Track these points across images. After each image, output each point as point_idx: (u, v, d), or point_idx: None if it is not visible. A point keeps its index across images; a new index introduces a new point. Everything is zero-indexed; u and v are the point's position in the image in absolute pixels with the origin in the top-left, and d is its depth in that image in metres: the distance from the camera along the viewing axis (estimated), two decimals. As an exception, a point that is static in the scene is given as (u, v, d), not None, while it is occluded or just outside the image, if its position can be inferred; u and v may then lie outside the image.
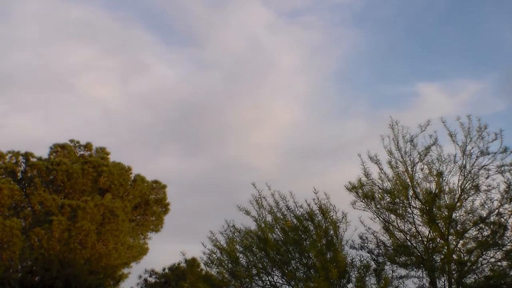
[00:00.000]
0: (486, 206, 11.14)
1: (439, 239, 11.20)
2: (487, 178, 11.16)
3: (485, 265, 11.08)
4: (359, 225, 11.73)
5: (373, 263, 11.60)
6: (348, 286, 11.17)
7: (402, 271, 11.46)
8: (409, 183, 11.42)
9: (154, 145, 54.83)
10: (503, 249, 11.02)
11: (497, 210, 11.06)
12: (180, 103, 56.97)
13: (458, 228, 11.19)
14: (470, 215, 11.22)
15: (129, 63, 58.83)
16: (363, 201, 11.80)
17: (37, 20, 55.96)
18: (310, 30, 54.85)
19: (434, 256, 11.25)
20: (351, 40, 53.48)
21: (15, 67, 56.37)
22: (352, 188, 11.84)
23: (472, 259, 11.03)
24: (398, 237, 11.58)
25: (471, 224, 11.16)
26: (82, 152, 23.07)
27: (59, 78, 56.94)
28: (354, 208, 11.84)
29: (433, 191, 11.25)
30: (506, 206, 11.00)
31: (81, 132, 54.93)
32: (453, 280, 10.96)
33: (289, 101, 56.58)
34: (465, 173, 11.22)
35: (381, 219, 11.71)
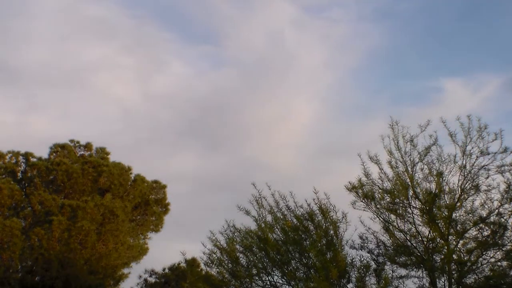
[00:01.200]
0: (486, 206, 11.14)
1: (439, 239, 11.20)
2: (487, 178, 11.16)
3: (485, 265, 11.08)
4: (359, 225, 11.75)
5: (373, 263, 11.61)
6: (348, 286, 11.18)
7: (402, 271, 11.47)
8: (409, 183, 11.42)
9: (172, 143, 54.58)
10: (503, 249, 11.01)
11: (497, 210, 11.06)
12: (199, 101, 56.50)
13: (458, 228, 11.19)
14: (470, 215, 11.22)
15: (147, 61, 58.42)
16: (363, 201, 11.80)
17: (55, 17, 55.76)
18: (335, 25, 54.10)
19: (434, 256, 11.25)
20: (374, 35, 52.66)
21: (32, 63, 56.41)
22: (352, 188, 11.84)
23: (472, 259, 11.03)
24: (398, 237, 11.58)
25: (471, 224, 11.16)
26: (82, 152, 23.07)
27: (76, 75, 56.73)
28: (354, 208, 11.84)
29: (433, 191, 11.24)
30: (506, 206, 11.00)
31: (98, 130, 54.48)
32: (453, 280, 10.96)
33: (311, 98, 55.91)
34: (465, 173, 11.22)
35: (381, 219, 11.71)
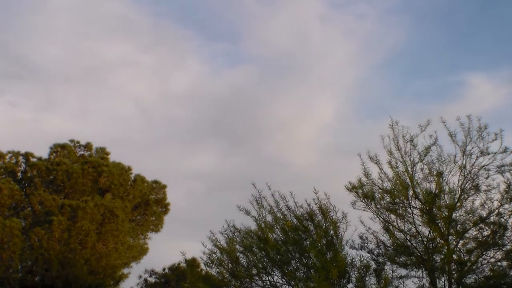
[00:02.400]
0: (486, 206, 11.14)
1: (439, 239, 11.20)
2: (487, 178, 11.16)
3: (485, 265, 11.08)
4: (359, 225, 11.75)
5: (373, 263, 11.61)
6: (348, 286, 11.17)
7: (402, 271, 11.47)
8: (409, 183, 11.42)
9: (190, 142, 54.21)
10: (503, 249, 11.01)
11: (497, 210, 11.05)
12: (218, 100, 56.07)
13: (458, 228, 11.18)
14: (470, 215, 11.22)
15: (166, 59, 57.97)
16: (363, 201, 11.79)
17: (73, 13, 55.32)
18: (361, 20, 53.28)
19: (434, 256, 11.24)
20: (398, 29, 51.84)
21: (50, 60, 56.01)
22: (352, 188, 11.83)
23: (472, 259, 11.02)
24: (398, 237, 11.57)
25: (471, 224, 11.15)
26: (82, 152, 23.07)
27: (94, 73, 56.58)
28: (354, 208, 11.84)
29: (433, 191, 11.24)
30: (506, 206, 11.00)
31: (116, 128, 54.46)
32: (453, 280, 10.96)
33: (333, 96, 55.24)
34: (465, 173, 11.22)
35: (381, 219, 11.71)
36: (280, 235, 11.73)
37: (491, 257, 11.08)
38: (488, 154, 11.13)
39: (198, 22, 57.22)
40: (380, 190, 11.70)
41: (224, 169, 48.87)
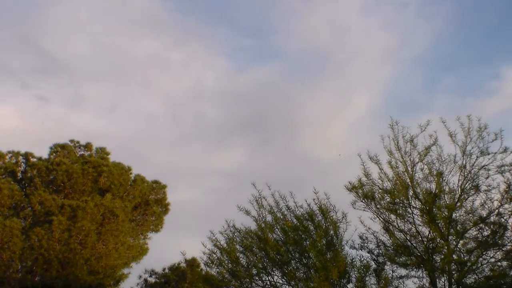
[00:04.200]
0: (486, 206, 11.14)
1: (439, 239, 11.20)
2: (487, 178, 11.16)
3: (485, 265, 11.08)
4: (359, 225, 11.75)
5: (373, 263, 11.61)
6: (348, 286, 11.17)
7: (402, 271, 11.47)
8: (409, 183, 11.42)
9: (219, 138, 53.95)
10: (503, 249, 11.01)
11: (497, 210, 11.06)
12: (249, 96, 55.68)
13: (458, 228, 11.18)
14: (470, 215, 11.22)
15: (196, 56, 57.63)
16: (363, 201, 11.79)
17: (101, 9, 55.47)
18: (402, 9, 52.37)
19: (434, 256, 11.24)
20: (438, 20, 50.91)
21: (78, 55, 55.99)
22: (352, 188, 11.83)
23: (472, 259, 11.02)
24: (398, 237, 11.57)
25: (471, 224, 11.15)
26: (82, 152, 23.07)
27: (122, 69, 56.48)
28: (354, 208, 11.84)
29: (433, 191, 11.24)
30: (506, 206, 11.00)
31: (143, 125, 54.31)
32: (453, 280, 10.96)
33: (368, 91, 54.38)
34: (465, 173, 11.22)
35: (381, 219, 11.71)
36: (280, 235, 11.73)
37: (491, 257, 11.08)
38: (488, 154, 11.13)
39: (228, 17, 56.97)
40: (380, 190, 11.70)
41: (252, 167, 48.36)
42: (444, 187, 11.30)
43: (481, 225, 11.14)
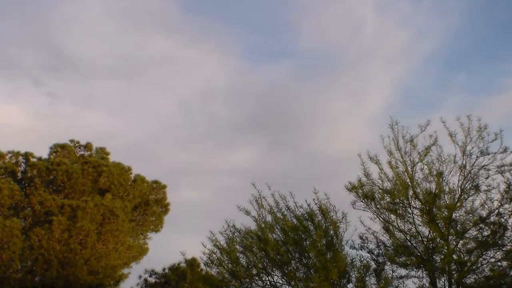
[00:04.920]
0: (486, 206, 11.14)
1: (439, 239, 11.20)
2: (487, 178, 11.16)
3: (485, 265, 11.08)
4: (359, 225, 11.75)
5: (373, 263, 11.61)
6: (348, 286, 11.17)
7: (402, 271, 11.47)
8: (409, 183, 11.42)
9: (232, 137, 53.90)
10: (503, 249, 11.01)
11: (497, 210, 11.05)
12: (261, 95, 55.13)
13: (458, 228, 11.18)
14: (470, 215, 11.21)
15: (209, 54, 57.26)
16: (363, 201, 11.79)
17: (114, 7, 55.30)
18: (418, 4, 51.50)
19: (434, 256, 11.24)
20: (454, 15, 50.27)
21: (90, 53, 55.96)
22: (352, 188, 11.83)
23: (472, 259, 11.02)
24: (398, 237, 11.57)
25: (471, 224, 11.15)
26: (82, 152, 23.07)
27: (134, 67, 56.17)
28: (354, 208, 11.84)
29: (433, 191, 11.24)
30: (506, 206, 11.00)
31: (155, 124, 54.17)
32: (453, 280, 10.96)
33: (382, 89, 53.80)
34: (465, 173, 11.22)
35: (381, 219, 11.71)
36: (280, 235, 11.73)
37: (491, 257, 11.08)
38: (488, 154, 11.13)
39: (240, 15, 56.33)
40: (380, 190, 11.70)
41: (264, 166, 48.16)
42: (444, 187, 11.29)
43: (481, 225, 11.14)
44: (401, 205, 11.51)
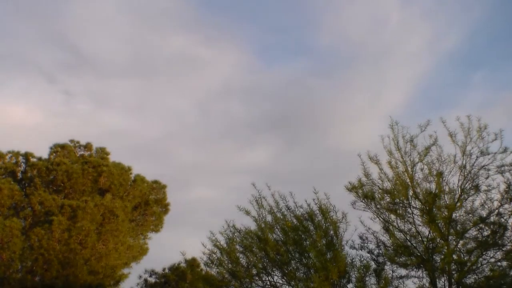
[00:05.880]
0: (486, 206, 11.14)
1: (439, 239, 11.20)
2: (487, 178, 11.16)
3: (485, 265, 11.08)
4: (359, 225, 11.75)
5: (373, 263, 11.60)
6: (348, 286, 11.17)
7: (402, 271, 11.47)
8: (409, 183, 11.42)
9: (248, 135, 53.71)
10: (503, 249, 11.01)
11: (497, 210, 11.06)
12: (279, 93, 54.64)
13: (458, 228, 11.18)
14: (470, 215, 11.22)
15: (226, 53, 56.94)
16: (363, 201, 11.80)
17: (131, 6, 55.07)
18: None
19: (434, 256, 11.24)
20: (476, 7, 49.23)
21: (106, 51, 55.91)
22: (352, 188, 11.84)
23: (472, 259, 11.02)
24: (398, 237, 11.57)
25: (471, 224, 11.15)
26: (82, 152, 23.06)
27: (151, 66, 55.94)
28: (354, 208, 11.85)
29: (433, 191, 11.24)
30: (506, 206, 11.00)
31: (171, 123, 54.04)
32: (453, 280, 10.96)
33: (403, 85, 53.17)
34: (465, 173, 11.22)
35: (381, 219, 11.71)
36: (280, 235, 11.73)
37: (491, 257, 11.08)
38: (488, 154, 11.14)
39: (257, 12, 55.73)
40: (380, 190, 11.70)
41: (280, 164, 47.95)
42: (444, 187, 11.30)
43: (481, 225, 11.14)
44: (401, 205, 11.51)
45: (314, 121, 53.21)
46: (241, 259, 11.95)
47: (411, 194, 11.42)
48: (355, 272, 11.14)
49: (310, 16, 53.98)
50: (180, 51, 55.61)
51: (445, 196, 11.30)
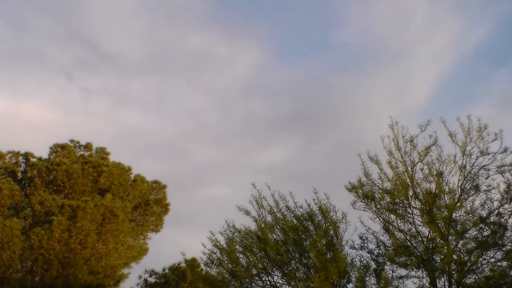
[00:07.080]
0: (486, 206, 11.14)
1: (439, 239, 11.20)
2: (487, 178, 11.16)
3: (485, 265, 11.07)
4: (359, 225, 11.75)
5: (373, 263, 11.60)
6: (348, 286, 11.17)
7: (402, 271, 11.47)
8: (409, 183, 11.42)
9: (268, 133, 53.02)
10: (503, 249, 11.01)
11: (497, 210, 11.06)
12: (300, 90, 54.34)
13: (458, 228, 11.18)
14: (470, 215, 11.22)
15: (247, 51, 56.75)
16: (363, 201, 11.79)
17: (150, 4, 55.01)
18: None
19: (434, 256, 11.24)
20: (504, 3, 48.66)
21: (125, 49, 55.82)
22: (352, 188, 11.83)
23: (472, 259, 11.02)
24: (398, 237, 11.57)
25: (471, 224, 11.15)
26: (82, 152, 23.06)
27: (170, 64, 55.91)
28: (354, 208, 11.84)
29: (433, 191, 11.24)
30: (506, 206, 11.00)
31: (190, 121, 53.91)
32: (453, 280, 10.96)
33: (427, 81, 52.71)
34: (465, 173, 11.22)
35: (381, 219, 11.71)
36: (280, 235, 11.73)
37: (491, 257, 11.08)
38: (488, 154, 11.13)
39: (278, 9, 54.98)
40: (380, 190, 11.70)
41: (302, 161, 47.53)
42: (444, 187, 11.29)
43: (481, 225, 11.14)
44: (401, 205, 11.51)
45: (337, 117, 53.05)
46: (241, 259, 11.95)
47: (411, 194, 11.42)
48: (355, 272, 11.14)
49: (334, 12, 53.68)
50: (199, 49, 55.44)
51: (445, 196, 11.30)
